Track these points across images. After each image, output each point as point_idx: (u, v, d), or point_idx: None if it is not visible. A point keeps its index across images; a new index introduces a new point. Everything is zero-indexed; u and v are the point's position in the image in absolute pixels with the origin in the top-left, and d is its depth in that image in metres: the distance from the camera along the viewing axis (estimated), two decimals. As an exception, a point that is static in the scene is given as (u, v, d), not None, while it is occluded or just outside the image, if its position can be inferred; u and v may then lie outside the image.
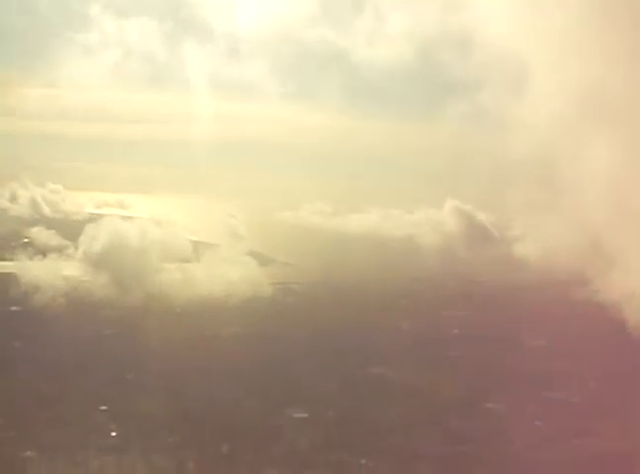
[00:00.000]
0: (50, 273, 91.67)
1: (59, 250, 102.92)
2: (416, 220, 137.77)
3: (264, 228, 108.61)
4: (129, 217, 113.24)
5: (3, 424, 51.98)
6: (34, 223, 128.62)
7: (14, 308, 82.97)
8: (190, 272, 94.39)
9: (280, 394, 59.95)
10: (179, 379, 60.78)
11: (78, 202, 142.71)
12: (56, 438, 49.85)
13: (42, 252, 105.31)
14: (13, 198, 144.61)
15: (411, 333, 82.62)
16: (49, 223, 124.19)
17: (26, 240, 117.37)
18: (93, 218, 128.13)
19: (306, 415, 56.45)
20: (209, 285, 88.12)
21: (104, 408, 55.48)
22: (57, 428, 51.46)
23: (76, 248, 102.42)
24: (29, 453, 47.86)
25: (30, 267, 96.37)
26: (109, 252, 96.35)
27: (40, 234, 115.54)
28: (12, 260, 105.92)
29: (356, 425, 55.02)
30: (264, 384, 61.94)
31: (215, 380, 61.97)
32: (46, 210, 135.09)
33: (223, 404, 57.07)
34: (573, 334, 74.94)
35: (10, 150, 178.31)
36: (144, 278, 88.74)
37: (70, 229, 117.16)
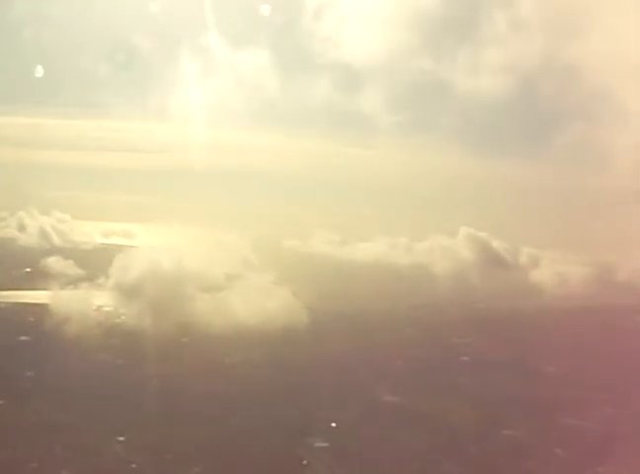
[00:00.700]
0: (81, 302, 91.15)
1: (90, 279, 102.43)
2: (425, 248, 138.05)
3: (272, 257, 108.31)
4: (161, 247, 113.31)
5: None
6: (47, 253, 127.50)
7: (41, 338, 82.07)
8: (223, 300, 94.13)
9: (298, 423, 59.69)
10: (200, 408, 60.48)
11: (85, 232, 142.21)
12: (75, 470, 49.57)
13: (62, 281, 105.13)
14: (21, 228, 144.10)
15: (421, 360, 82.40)
16: (64, 253, 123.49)
17: (44, 270, 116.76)
18: (104, 248, 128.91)
19: (327, 444, 56.23)
20: (241, 314, 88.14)
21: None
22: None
23: (106, 277, 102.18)
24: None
25: (59, 296, 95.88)
26: (142, 281, 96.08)
27: (57, 264, 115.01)
28: (33, 289, 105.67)
29: (376, 453, 54.90)
30: (280, 413, 61.64)
31: (234, 408, 61.74)
32: (56, 240, 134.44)
33: (244, 433, 56.82)
34: (587, 360, 75.14)
35: (15, 179, 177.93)
36: (177, 308, 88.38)
37: (85, 259, 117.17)
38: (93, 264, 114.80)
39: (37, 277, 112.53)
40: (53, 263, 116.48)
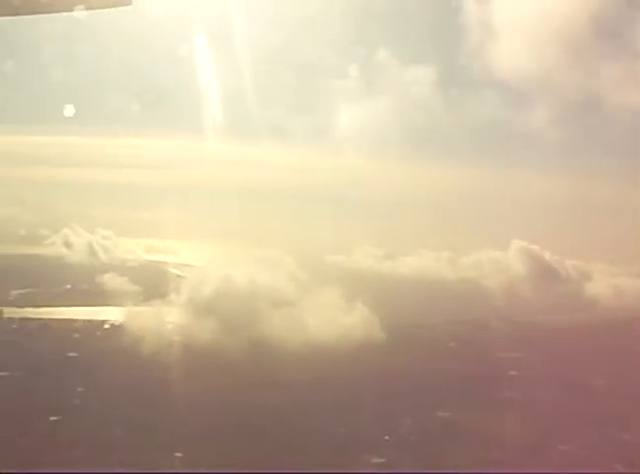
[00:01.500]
0: (153, 319, 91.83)
1: (162, 296, 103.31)
2: (472, 261, 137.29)
3: (320, 272, 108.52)
4: (233, 262, 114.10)
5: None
6: (98, 270, 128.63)
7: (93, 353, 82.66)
8: (294, 316, 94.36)
9: (353, 439, 59.48)
10: (256, 424, 60.51)
11: (129, 249, 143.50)
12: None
13: (120, 298, 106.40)
14: (68, 245, 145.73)
15: (469, 376, 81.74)
16: (115, 269, 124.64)
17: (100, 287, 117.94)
18: (152, 264, 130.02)
19: (384, 460, 55.98)
20: (316, 329, 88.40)
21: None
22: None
23: (178, 294, 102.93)
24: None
25: (131, 313, 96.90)
26: (215, 297, 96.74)
27: (113, 281, 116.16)
28: (91, 305, 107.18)
29: (434, 469, 54.60)
30: (335, 429, 61.49)
31: (292, 423, 61.72)
32: (104, 257, 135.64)
33: (300, 448, 56.76)
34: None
35: (51, 198, 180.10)
36: (252, 324, 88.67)
37: (137, 275, 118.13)
38: (146, 280, 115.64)
39: (94, 294, 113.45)
40: (109, 279, 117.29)
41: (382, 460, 56.14)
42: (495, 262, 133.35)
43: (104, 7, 10.84)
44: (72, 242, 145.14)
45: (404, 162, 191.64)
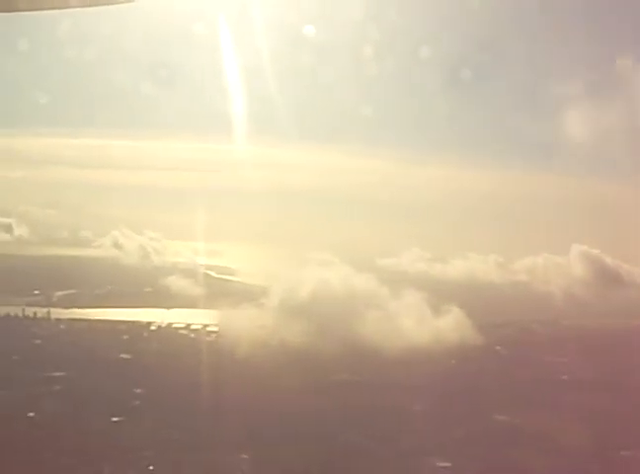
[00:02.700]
0: (246, 322, 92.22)
1: (252, 299, 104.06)
2: (526, 265, 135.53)
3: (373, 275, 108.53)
4: (329, 264, 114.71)
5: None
6: (156, 272, 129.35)
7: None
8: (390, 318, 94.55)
9: (415, 442, 59.39)
10: (325, 426, 60.62)
11: (177, 251, 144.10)
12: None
13: (183, 300, 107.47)
14: (119, 247, 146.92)
15: (520, 380, 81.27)
16: (172, 272, 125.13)
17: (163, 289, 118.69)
18: (206, 266, 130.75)
19: (449, 464, 55.84)
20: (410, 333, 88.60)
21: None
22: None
23: (266, 296, 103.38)
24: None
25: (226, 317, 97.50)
26: (310, 300, 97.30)
27: (177, 283, 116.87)
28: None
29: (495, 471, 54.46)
30: (396, 432, 61.42)
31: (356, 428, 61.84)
32: (156, 260, 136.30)
33: (367, 453, 56.83)
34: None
35: (91, 200, 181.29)
36: (345, 326, 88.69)
37: (189, 277, 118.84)
38: (199, 283, 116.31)
39: (158, 296, 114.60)
40: (173, 281, 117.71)
41: (448, 464, 55.95)
42: (554, 266, 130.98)
43: (106, 4, 10.46)
44: (122, 244, 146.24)
45: (450, 164, 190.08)
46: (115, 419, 63.96)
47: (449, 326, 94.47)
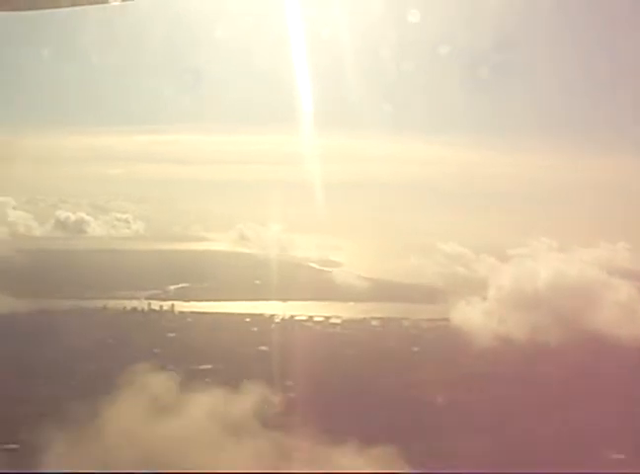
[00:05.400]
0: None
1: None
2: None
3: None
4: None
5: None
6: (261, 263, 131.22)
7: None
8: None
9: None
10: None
11: (301, 246, 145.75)
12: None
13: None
14: (244, 240, 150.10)
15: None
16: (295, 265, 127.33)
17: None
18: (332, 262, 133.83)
19: (623, 456, 55.43)
20: None
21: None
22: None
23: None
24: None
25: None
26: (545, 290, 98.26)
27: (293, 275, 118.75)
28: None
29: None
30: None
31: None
32: (275, 252, 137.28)
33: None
34: None
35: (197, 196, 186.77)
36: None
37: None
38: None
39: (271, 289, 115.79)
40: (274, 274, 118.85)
41: (622, 456, 55.56)
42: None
43: (107, 2, 10.22)
44: (247, 236, 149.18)
45: (567, 152, 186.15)
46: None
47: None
